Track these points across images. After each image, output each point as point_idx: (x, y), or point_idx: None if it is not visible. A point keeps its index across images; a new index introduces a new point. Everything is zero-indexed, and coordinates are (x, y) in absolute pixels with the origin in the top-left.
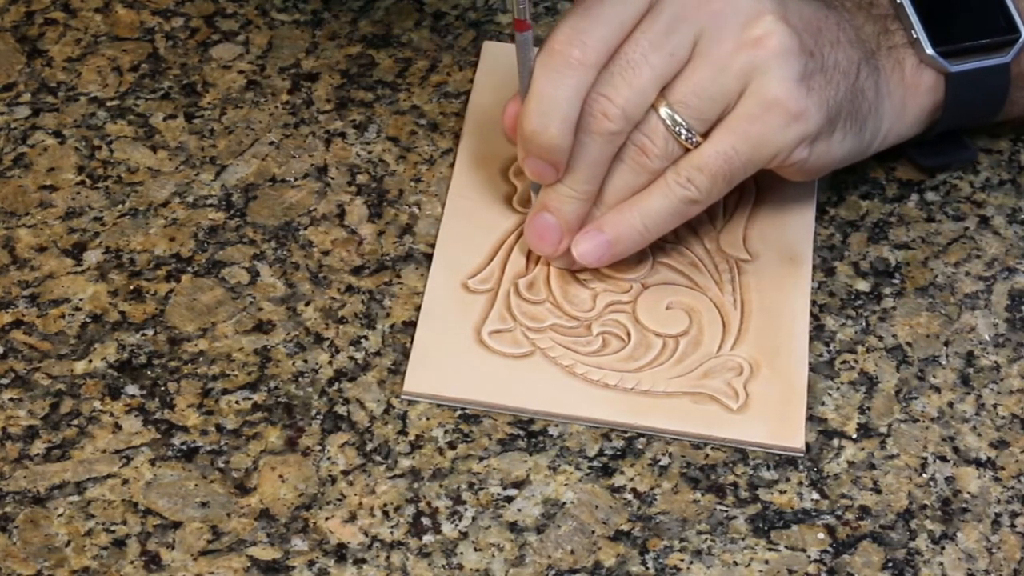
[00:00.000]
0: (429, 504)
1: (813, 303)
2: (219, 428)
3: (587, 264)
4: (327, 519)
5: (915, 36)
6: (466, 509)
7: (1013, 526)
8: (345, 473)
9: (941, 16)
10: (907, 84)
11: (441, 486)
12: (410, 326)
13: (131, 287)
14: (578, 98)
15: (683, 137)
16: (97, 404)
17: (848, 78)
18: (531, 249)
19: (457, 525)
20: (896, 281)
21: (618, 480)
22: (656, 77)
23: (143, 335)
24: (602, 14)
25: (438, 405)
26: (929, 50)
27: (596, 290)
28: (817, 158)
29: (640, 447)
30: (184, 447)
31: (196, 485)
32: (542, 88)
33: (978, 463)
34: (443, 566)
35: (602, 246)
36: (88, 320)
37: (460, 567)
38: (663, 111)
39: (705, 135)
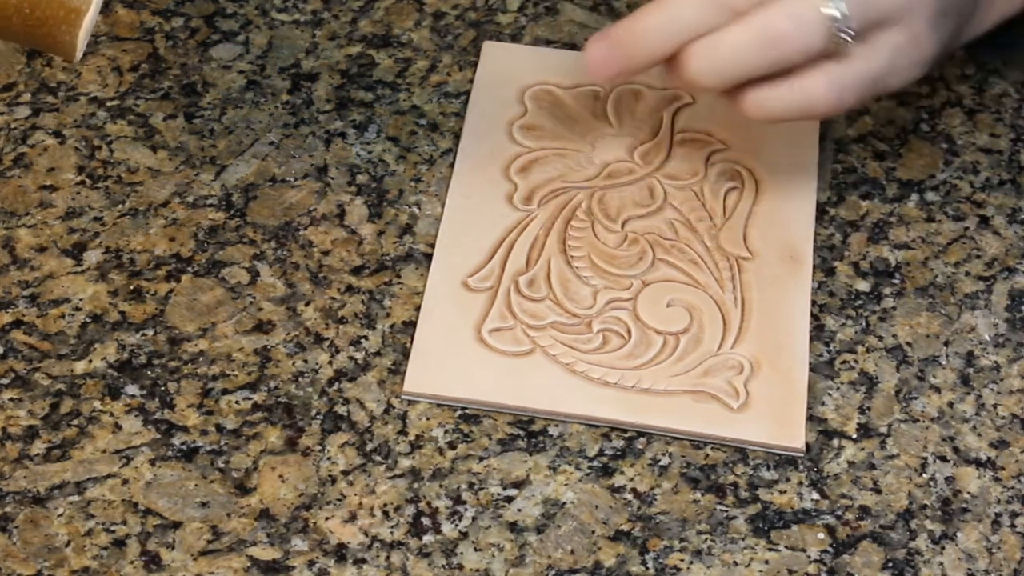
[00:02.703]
0: (429, 504)
1: (813, 303)
2: (219, 428)
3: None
4: (327, 519)
5: None
6: (466, 509)
7: (1013, 526)
8: (345, 473)
9: None
10: None
11: (441, 486)
12: (410, 326)
13: (131, 287)
14: None
15: (839, 27)
16: (97, 404)
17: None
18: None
19: (457, 525)
20: (896, 281)
21: (618, 480)
22: None
23: (143, 335)
24: None
25: (438, 405)
26: None
27: (597, 287)
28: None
29: (640, 447)
30: (184, 447)
31: (196, 485)
32: None
33: (978, 463)
34: (443, 566)
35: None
36: (88, 320)
37: (460, 567)
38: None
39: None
